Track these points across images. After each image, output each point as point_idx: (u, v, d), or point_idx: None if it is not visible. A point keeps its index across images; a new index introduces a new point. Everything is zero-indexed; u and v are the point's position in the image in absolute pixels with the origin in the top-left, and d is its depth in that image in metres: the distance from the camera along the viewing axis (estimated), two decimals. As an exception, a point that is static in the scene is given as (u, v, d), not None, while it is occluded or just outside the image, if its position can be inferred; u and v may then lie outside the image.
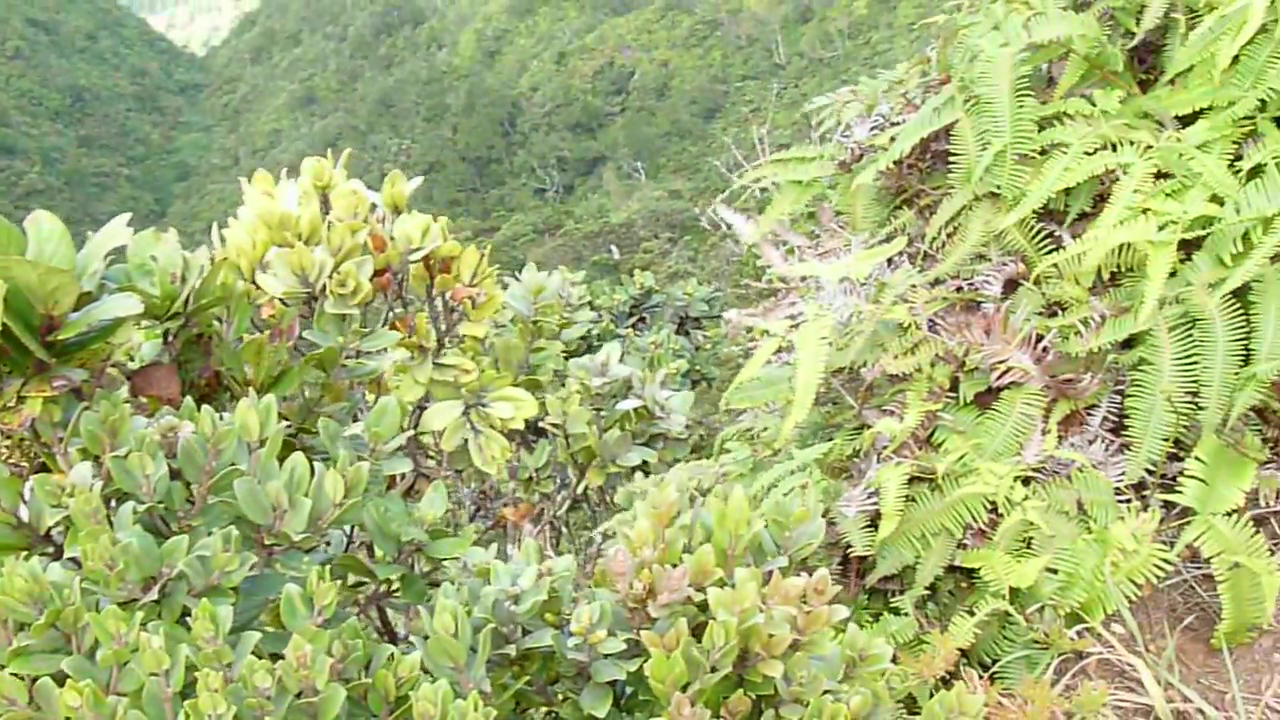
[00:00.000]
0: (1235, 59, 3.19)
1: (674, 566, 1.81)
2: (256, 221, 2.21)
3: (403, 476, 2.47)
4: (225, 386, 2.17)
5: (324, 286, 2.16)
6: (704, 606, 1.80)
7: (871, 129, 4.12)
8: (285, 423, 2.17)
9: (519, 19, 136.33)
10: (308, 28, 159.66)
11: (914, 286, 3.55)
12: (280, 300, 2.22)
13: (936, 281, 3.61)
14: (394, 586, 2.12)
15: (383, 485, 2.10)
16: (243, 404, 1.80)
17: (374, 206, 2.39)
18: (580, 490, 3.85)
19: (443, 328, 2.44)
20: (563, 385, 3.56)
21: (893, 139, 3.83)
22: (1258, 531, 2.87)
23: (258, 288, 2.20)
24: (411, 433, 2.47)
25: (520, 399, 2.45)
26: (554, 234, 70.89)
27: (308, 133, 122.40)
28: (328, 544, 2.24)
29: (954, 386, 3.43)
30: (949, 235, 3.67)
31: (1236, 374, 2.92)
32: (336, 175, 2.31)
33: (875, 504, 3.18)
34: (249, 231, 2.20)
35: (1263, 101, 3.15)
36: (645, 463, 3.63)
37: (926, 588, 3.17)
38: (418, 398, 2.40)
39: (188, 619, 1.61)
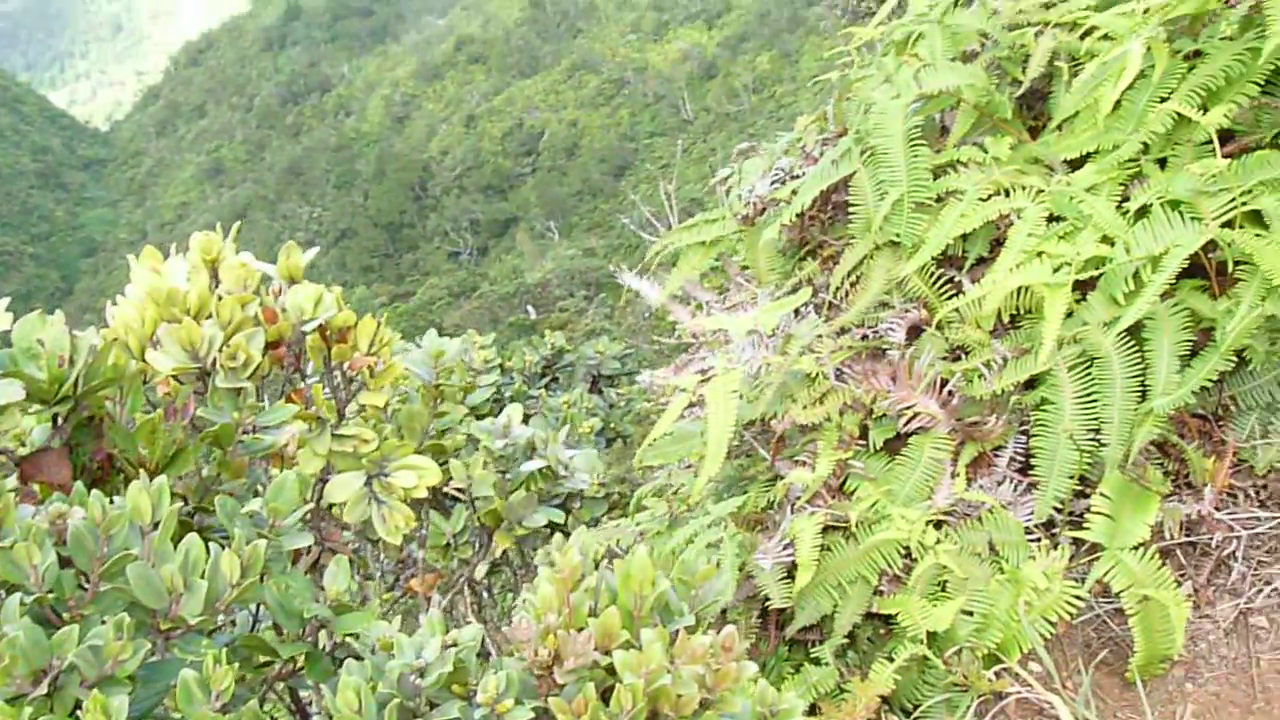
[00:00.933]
0: (1117, 104, 3.27)
1: (579, 631, 1.80)
2: (145, 299, 2.17)
3: (307, 551, 2.44)
4: (119, 469, 2.12)
5: (215, 361, 2.13)
6: (611, 670, 1.78)
7: (772, 183, 4.17)
8: (182, 503, 2.14)
9: (426, 84, 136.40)
10: (212, 99, 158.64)
11: (820, 337, 3.58)
12: (174, 378, 2.19)
13: (842, 331, 3.64)
14: (299, 665, 2.09)
15: (286, 561, 2.07)
16: (134, 486, 1.76)
17: (269, 279, 2.37)
18: (499, 553, 3.82)
19: (342, 397, 2.42)
20: (476, 449, 3.54)
21: (794, 192, 3.87)
22: (1164, 564, 2.91)
23: (149, 366, 2.17)
24: (311, 506, 2.44)
25: (423, 467, 2.43)
26: (470, 296, 70.71)
27: (216, 204, 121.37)
28: (233, 624, 2.20)
29: (864, 434, 3.46)
30: (852, 284, 3.71)
31: (1135, 410, 2.97)
32: (226, 249, 2.29)
33: (791, 555, 3.19)
34: (138, 309, 2.17)
35: (1145, 144, 3.23)
36: (559, 523, 3.62)
37: (845, 636, 3.17)
38: (318, 470, 2.37)
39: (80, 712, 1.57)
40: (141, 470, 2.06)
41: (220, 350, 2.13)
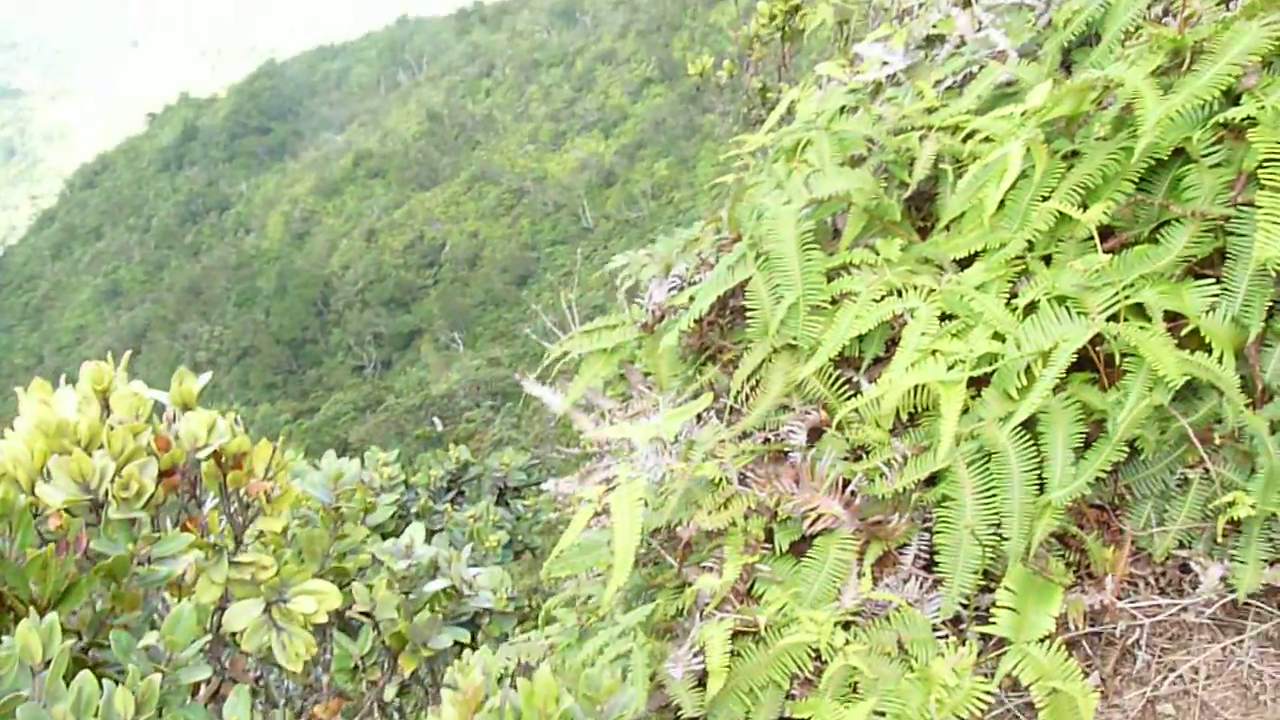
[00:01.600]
0: (1001, 204, 3.36)
1: (487, 753, 1.77)
2: (34, 431, 2.13)
3: (208, 682, 2.38)
4: (9, 606, 2.06)
5: (108, 492, 2.09)
6: (522, 792, 1.75)
7: (670, 290, 4.21)
8: (75, 639, 2.08)
9: (326, 199, 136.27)
10: (109, 221, 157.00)
11: (722, 441, 3.59)
12: (66, 511, 2.14)
13: (744, 435, 3.66)
14: (199, 803, 2.03)
15: (185, 694, 2.01)
16: (24, 625, 1.71)
17: (162, 406, 2.33)
18: (409, 674, 3.75)
19: (240, 524, 2.38)
20: (380, 570, 3.49)
21: (691, 298, 3.91)
22: (1071, 655, 2.93)
23: (40, 500, 2.11)
24: (210, 635, 2.38)
25: (323, 591, 2.39)
26: (375, 410, 70.20)
27: (114, 326, 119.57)
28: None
29: (769, 537, 3.46)
30: (752, 388, 3.74)
31: (1034, 503, 3.01)
32: (117, 377, 2.25)
33: (702, 663, 3.16)
34: (26, 442, 2.12)
35: (1030, 242, 3.32)
36: (466, 642, 3.57)
37: (759, 742, 3.14)
38: (216, 598, 2.32)
39: None
40: (32, 607, 2.00)
41: (113, 481, 2.08)
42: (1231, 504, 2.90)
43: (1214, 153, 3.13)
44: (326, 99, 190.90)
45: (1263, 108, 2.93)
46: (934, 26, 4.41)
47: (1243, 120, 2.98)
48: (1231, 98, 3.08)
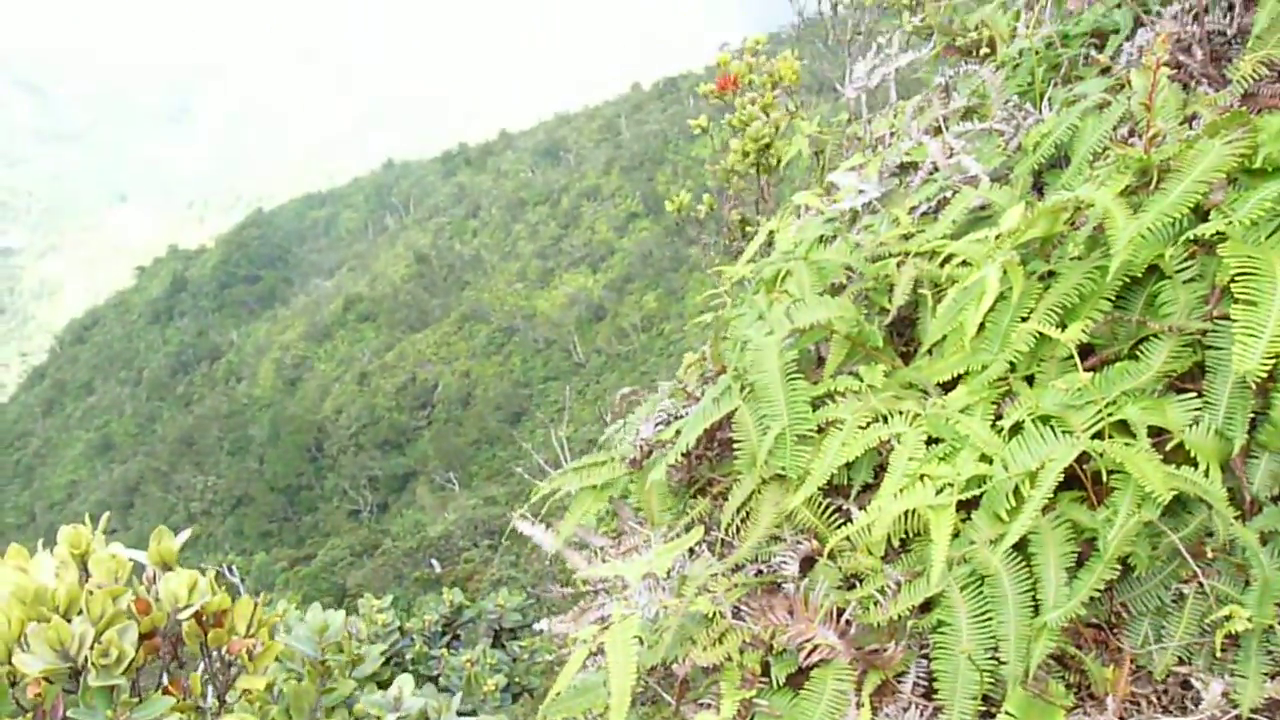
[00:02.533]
0: (981, 326, 3.38)
1: None
2: (10, 599, 2.10)
3: None
4: (-12, 778, 2.03)
5: (86, 659, 2.06)
6: None
7: (657, 424, 4.21)
8: (55, 810, 2.03)
9: (317, 344, 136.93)
10: (100, 375, 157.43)
11: (715, 575, 3.57)
12: (45, 679, 2.11)
13: (736, 567, 3.63)
14: None
15: None
16: (-1, 799, 1.68)
17: (142, 567, 2.31)
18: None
19: (222, 683, 2.34)
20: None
21: (678, 432, 3.91)
22: (1077, 780, 2.88)
23: (17, 669, 2.08)
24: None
25: (310, 749, 2.35)
26: (372, 554, 69.58)
27: (107, 480, 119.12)
28: None
29: (766, 671, 3.41)
30: (743, 520, 3.72)
31: (1030, 625, 2.98)
32: (96, 540, 2.24)
33: (705, 802, 3.11)
34: (3, 610, 2.09)
35: (1012, 363, 3.33)
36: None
37: None
38: (201, 761, 2.28)
39: None
40: (10, 780, 1.96)
41: (91, 647, 2.06)
42: (1228, 618, 2.87)
43: (1187, 268, 3.16)
44: (315, 245, 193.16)
45: (1231, 223, 2.97)
46: (906, 154, 4.49)
47: (1213, 235, 3.01)
48: (1200, 214, 3.12)
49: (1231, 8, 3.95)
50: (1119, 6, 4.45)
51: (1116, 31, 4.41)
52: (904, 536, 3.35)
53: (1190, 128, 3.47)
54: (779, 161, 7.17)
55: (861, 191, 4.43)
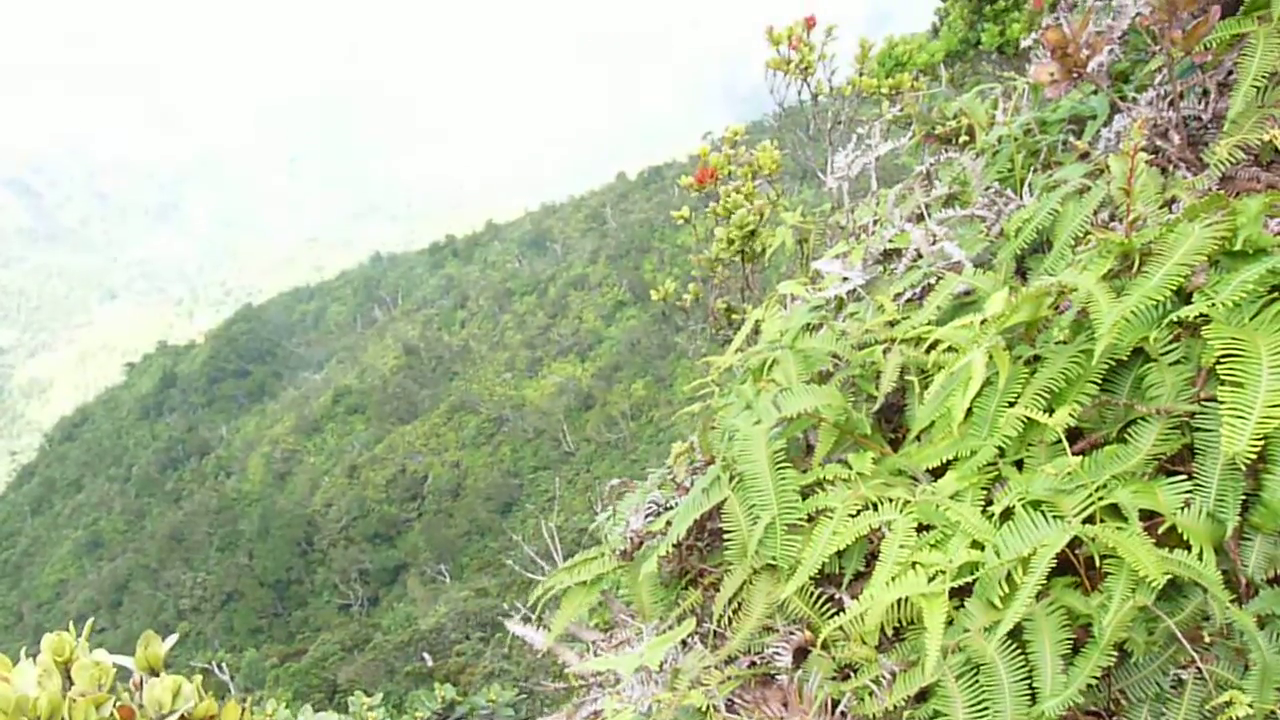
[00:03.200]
0: (969, 412, 3.38)
1: None
2: (-9, 711, 2.08)
3: None
4: None
5: (68, 771, 2.02)
6: None
7: (647, 516, 4.19)
8: None
9: (306, 438, 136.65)
10: (90, 472, 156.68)
11: (708, 668, 3.53)
12: (26, 792, 2.07)
13: (729, 659, 3.59)
14: None
15: None
16: None
17: (129, 672, 2.28)
18: None
19: (208, 793, 2.30)
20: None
21: (668, 524, 3.89)
22: None
23: (-2, 782, 2.05)
24: None
25: None
26: (363, 649, 68.96)
27: (95, 579, 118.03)
28: None
29: (762, 766, 3.37)
30: (735, 611, 3.69)
31: (1027, 714, 2.94)
32: (79, 647, 2.21)
33: None
34: (-16, 722, 2.07)
35: (1001, 448, 3.32)
36: None
37: None
38: None
39: None
40: None
41: (73, 758, 2.02)
42: (1229, 704, 2.84)
43: (1172, 350, 3.17)
44: (304, 339, 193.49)
45: (1214, 305, 2.98)
46: (890, 241, 4.51)
47: (1196, 318, 3.02)
48: (1183, 296, 3.14)
49: (1206, 93, 4.00)
50: (1095, 93, 4.51)
51: (1094, 117, 4.46)
52: (897, 625, 3.33)
53: (1170, 211, 3.50)
54: (763, 250, 7.22)
55: (846, 279, 4.45)
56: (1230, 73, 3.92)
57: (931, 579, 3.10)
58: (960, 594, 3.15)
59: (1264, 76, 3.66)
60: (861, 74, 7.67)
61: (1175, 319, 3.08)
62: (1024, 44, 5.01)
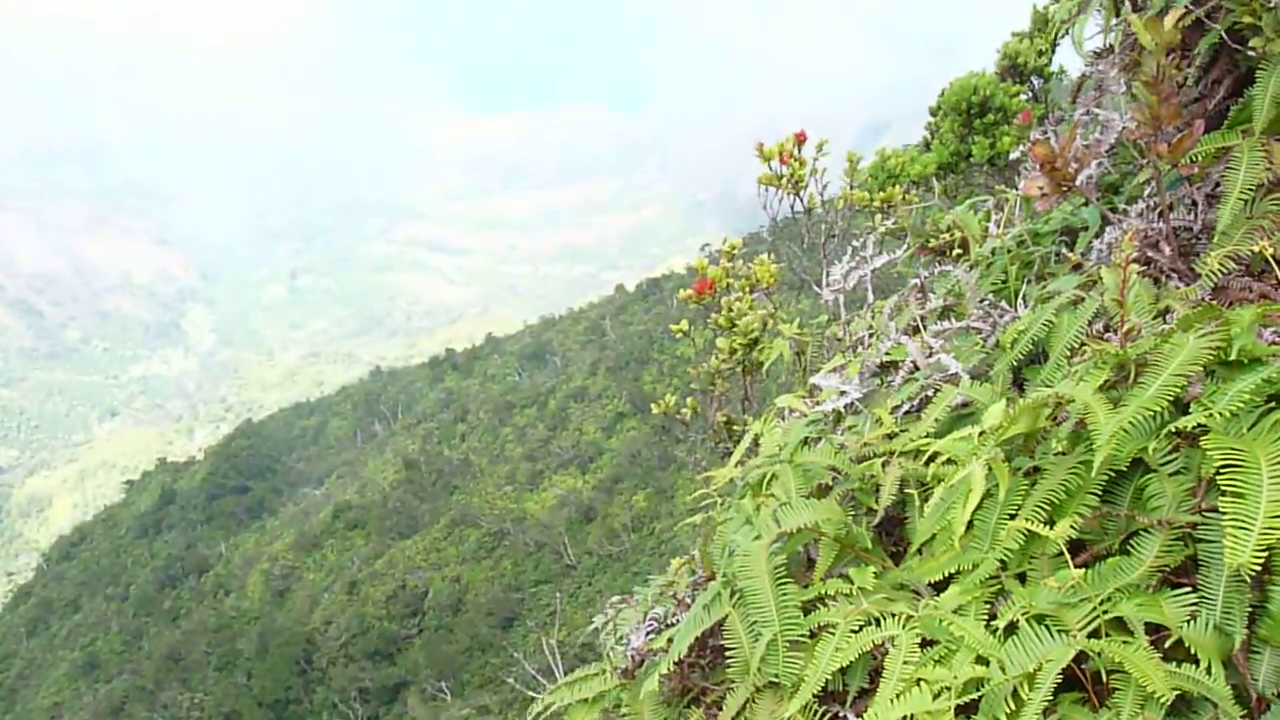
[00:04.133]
0: (970, 525, 3.37)
1: None
2: None
3: None
4: None
5: None
6: None
7: (648, 633, 4.15)
8: None
9: (306, 554, 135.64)
10: (87, 592, 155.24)
11: (712, 790, 3.47)
12: None
13: (733, 781, 3.54)
14: None
15: None
16: None
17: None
18: None
19: None
20: None
21: (669, 640, 3.85)
22: None
23: None
24: None
25: None
26: (363, 770, 67.83)
27: (91, 701, 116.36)
28: None
29: None
30: (739, 730, 3.64)
31: (1040, 837, 2.89)
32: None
33: None
34: None
35: (1003, 561, 3.30)
36: None
37: None
38: None
39: None
40: None
41: None
42: (1243, 821, 2.78)
43: (1172, 461, 3.16)
44: (304, 454, 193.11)
45: (1212, 415, 2.98)
46: (886, 354, 4.53)
47: (1194, 428, 3.02)
48: (1180, 407, 3.14)
49: (1195, 205, 4.04)
50: (1086, 205, 4.55)
51: (1085, 229, 4.50)
52: (905, 744, 3.27)
53: (1164, 322, 3.52)
54: (762, 362, 7.24)
55: (843, 393, 4.46)
56: (1218, 185, 3.96)
57: (937, 696, 3.05)
58: (966, 710, 3.10)
59: (1250, 189, 3.70)
60: (852, 187, 7.76)
61: (1174, 429, 3.08)
62: (1014, 156, 5.08)
